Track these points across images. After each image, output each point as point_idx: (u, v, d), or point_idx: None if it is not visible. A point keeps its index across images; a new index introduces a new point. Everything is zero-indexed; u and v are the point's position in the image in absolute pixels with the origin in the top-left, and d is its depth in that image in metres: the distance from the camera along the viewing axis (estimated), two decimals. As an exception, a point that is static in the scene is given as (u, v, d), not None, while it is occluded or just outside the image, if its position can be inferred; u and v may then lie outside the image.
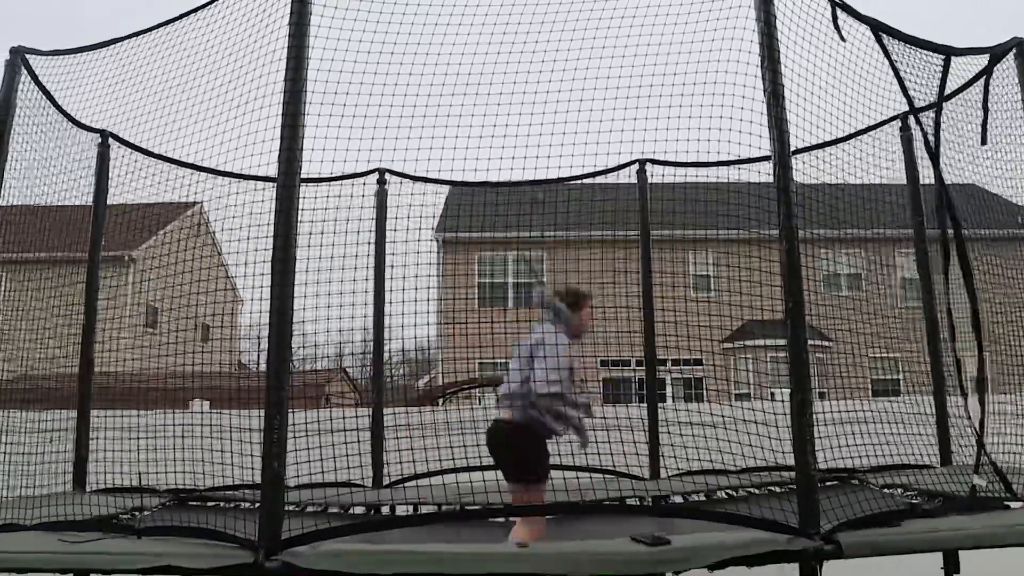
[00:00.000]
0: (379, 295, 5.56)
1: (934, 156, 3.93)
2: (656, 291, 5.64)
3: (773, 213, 3.01)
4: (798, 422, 2.85)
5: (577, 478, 4.95)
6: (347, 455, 4.38)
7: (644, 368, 5.62)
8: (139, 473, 4.43)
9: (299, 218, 2.91)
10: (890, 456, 4.79)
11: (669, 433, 5.39)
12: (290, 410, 2.80)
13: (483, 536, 3.45)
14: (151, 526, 3.08)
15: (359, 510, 4.89)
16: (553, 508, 4.03)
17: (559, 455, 4.70)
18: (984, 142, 3.94)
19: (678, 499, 4.84)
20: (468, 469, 4.83)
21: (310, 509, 4.70)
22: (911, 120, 4.95)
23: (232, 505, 4.55)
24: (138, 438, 4.83)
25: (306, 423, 3.78)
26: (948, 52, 3.92)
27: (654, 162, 5.67)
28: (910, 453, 4.80)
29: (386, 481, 5.31)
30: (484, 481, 4.32)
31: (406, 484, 5.26)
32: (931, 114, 4.09)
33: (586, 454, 4.55)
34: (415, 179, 5.75)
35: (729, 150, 3.30)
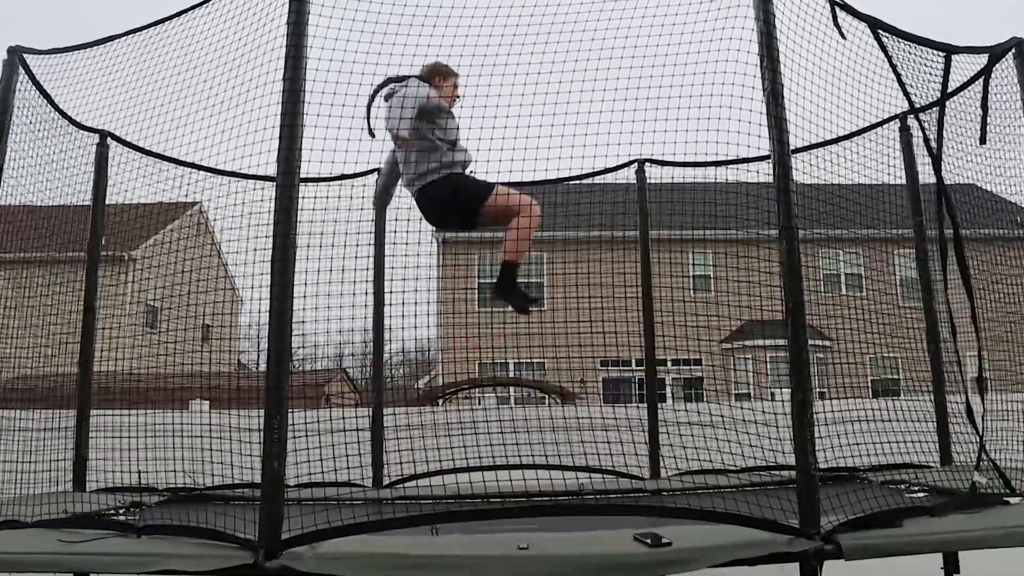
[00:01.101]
0: (379, 295, 5.55)
1: (935, 155, 3.93)
2: (656, 291, 5.64)
3: (773, 213, 3.01)
4: (798, 422, 2.85)
5: (577, 478, 4.96)
6: (347, 455, 4.38)
7: (644, 368, 5.62)
8: (139, 472, 4.42)
9: (299, 218, 2.91)
10: (890, 455, 4.79)
11: (669, 433, 5.39)
12: (290, 410, 2.80)
13: (484, 537, 3.44)
14: (151, 525, 3.07)
15: (359, 510, 4.88)
16: (554, 508, 4.03)
17: (559, 455, 4.71)
18: (983, 141, 3.94)
19: (678, 499, 4.83)
20: (468, 469, 4.83)
21: (310, 509, 4.69)
22: (911, 119, 4.95)
23: (232, 504, 4.54)
24: (138, 438, 4.82)
25: (306, 423, 3.78)
26: (948, 50, 3.92)
27: (653, 162, 5.66)
28: (910, 452, 4.79)
29: (386, 481, 5.31)
30: (484, 481, 4.31)
31: (406, 484, 5.25)
32: (931, 113, 4.09)
33: (586, 454, 4.56)
34: (415, 179, 5.74)
35: (728, 150, 3.30)
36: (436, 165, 3.84)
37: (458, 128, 4.00)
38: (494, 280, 4.12)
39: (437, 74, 4.09)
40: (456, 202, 3.91)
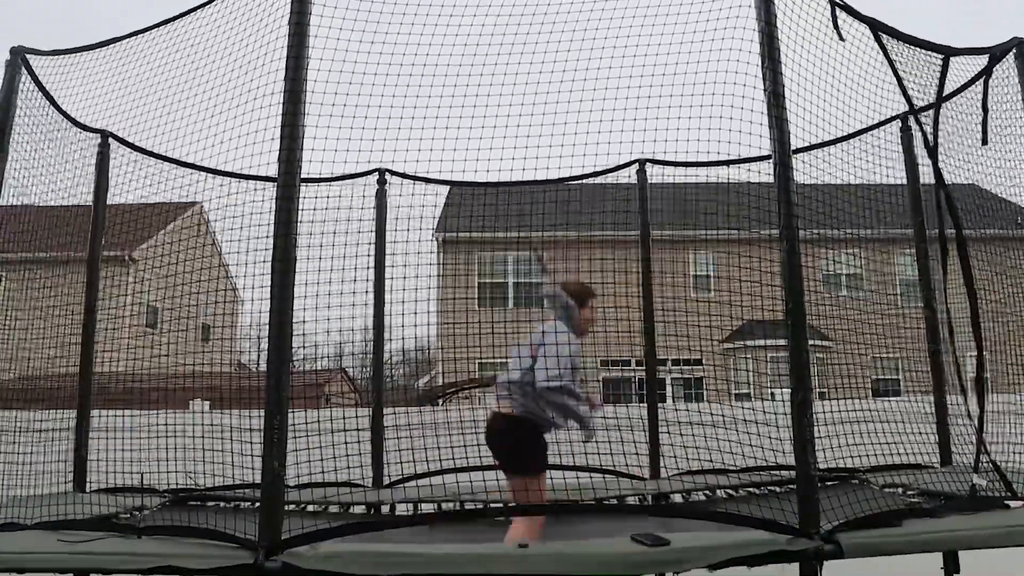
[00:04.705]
0: (379, 295, 5.56)
1: (933, 156, 3.93)
2: (656, 291, 5.64)
3: (773, 213, 3.01)
4: (798, 422, 2.85)
5: (577, 478, 4.96)
6: (347, 455, 4.38)
7: (644, 368, 5.62)
8: (139, 473, 4.43)
9: (299, 218, 2.91)
10: (890, 456, 4.79)
11: (669, 433, 5.39)
12: (290, 410, 2.80)
13: (484, 536, 3.45)
14: (151, 526, 3.08)
15: (359, 510, 4.89)
16: (553, 508, 4.03)
17: (559, 454, 4.71)
18: (985, 142, 3.94)
19: (678, 499, 4.84)
20: (468, 469, 4.83)
21: (310, 509, 4.70)
22: (911, 120, 4.95)
23: (232, 505, 4.55)
24: (138, 438, 4.83)
25: (306, 423, 3.79)
26: (947, 52, 3.92)
27: (654, 162, 5.67)
28: (910, 453, 4.80)
29: (386, 481, 5.31)
30: (484, 481, 4.32)
31: (406, 484, 5.26)
32: (930, 114, 4.09)
33: (586, 454, 4.56)
34: (415, 179, 5.76)
35: (729, 150, 3.30)
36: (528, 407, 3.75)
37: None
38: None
39: (587, 295, 3.97)
40: (503, 436, 3.81)
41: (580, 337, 4.00)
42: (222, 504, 4.57)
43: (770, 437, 4.26)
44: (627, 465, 4.98)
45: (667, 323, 5.63)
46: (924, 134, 4.02)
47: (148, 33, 4.00)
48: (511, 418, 3.77)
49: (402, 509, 4.89)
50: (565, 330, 3.82)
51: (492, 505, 4.32)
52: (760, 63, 3.02)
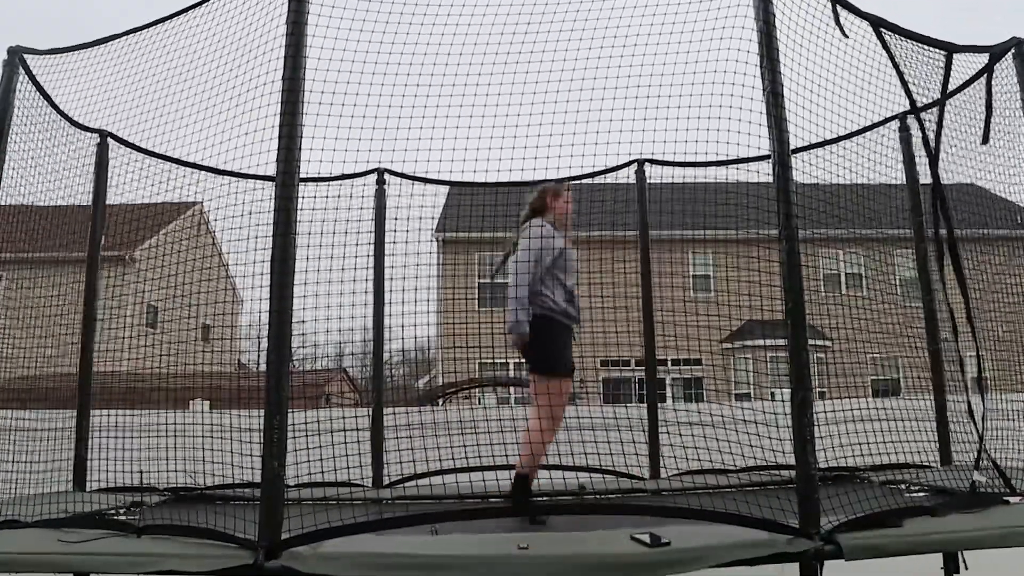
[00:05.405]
0: (379, 295, 5.55)
1: (933, 154, 3.92)
2: (656, 291, 5.64)
3: (773, 213, 3.00)
4: (798, 421, 2.84)
5: (577, 478, 4.96)
6: (347, 455, 4.38)
7: (644, 368, 5.62)
8: (139, 472, 4.43)
9: (299, 218, 2.91)
10: (890, 455, 4.79)
11: (669, 433, 5.39)
12: (290, 410, 2.80)
13: (483, 537, 3.44)
14: (151, 525, 3.07)
15: (359, 510, 4.89)
16: (553, 508, 4.03)
17: (559, 455, 4.71)
18: (986, 141, 3.94)
19: (678, 499, 4.83)
20: (468, 469, 4.83)
21: (310, 509, 4.69)
22: (911, 119, 4.95)
23: (232, 504, 4.55)
24: (138, 438, 4.83)
25: (306, 423, 3.78)
26: (949, 49, 3.92)
27: (653, 162, 5.66)
28: (910, 452, 4.79)
29: (386, 481, 5.31)
30: (484, 481, 4.32)
31: (406, 484, 5.26)
32: (931, 113, 4.08)
33: (586, 454, 4.56)
34: (415, 179, 5.75)
35: (728, 150, 3.30)
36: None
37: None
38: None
39: (548, 194, 4.30)
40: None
41: (561, 228, 4.26)
42: (222, 504, 4.56)
43: (770, 437, 4.26)
44: (627, 465, 4.98)
45: (667, 323, 5.63)
46: (924, 133, 4.02)
47: (146, 31, 4.00)
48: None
49: (402, 509, 4.88)
50: (539, 225, 4.07)
51: (492, 505, 4.32)
52: (759, 63, 3.02)
